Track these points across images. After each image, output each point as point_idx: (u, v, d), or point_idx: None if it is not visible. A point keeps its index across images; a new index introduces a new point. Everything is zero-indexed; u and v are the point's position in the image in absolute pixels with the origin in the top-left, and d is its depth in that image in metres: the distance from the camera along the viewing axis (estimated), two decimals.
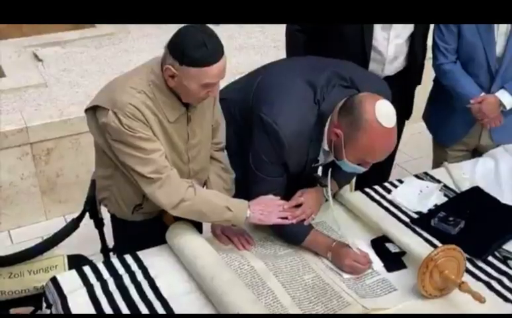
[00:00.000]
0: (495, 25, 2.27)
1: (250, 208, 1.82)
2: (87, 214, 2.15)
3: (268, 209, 1.84)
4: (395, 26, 2.27)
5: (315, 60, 2.05)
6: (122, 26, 4.51)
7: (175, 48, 1.65)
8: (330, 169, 1.90)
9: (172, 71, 1.66)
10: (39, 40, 4.23)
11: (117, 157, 1.76)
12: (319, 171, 1.96)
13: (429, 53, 2.53)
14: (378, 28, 2.27)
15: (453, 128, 2.55)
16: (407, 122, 2.67)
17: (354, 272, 1.80)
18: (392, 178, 2.35)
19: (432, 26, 2.45)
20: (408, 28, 2.32)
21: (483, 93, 2.37)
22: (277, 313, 1.64)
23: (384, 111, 1.69)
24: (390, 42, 2.30)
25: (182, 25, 1.69)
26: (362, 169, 1.81)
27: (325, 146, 1.85)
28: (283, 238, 1.94)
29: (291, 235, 1.92)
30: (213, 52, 1.64)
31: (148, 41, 4.30)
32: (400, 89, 2.46)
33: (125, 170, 1.79)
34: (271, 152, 1.82)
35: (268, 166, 1.86)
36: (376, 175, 2.47)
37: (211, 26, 1.71)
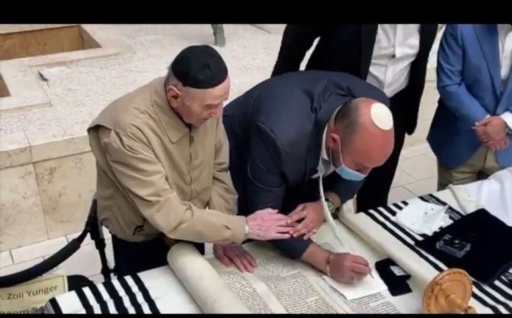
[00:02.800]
0: (500, 48, 2.27)
1: (248, 224, 1.80)
2: (88, 235, 2.13)
3: (266, 223, 1.82)
4: (397, 57, 2.26)
5: (313, 72, 2.07)
6: (127, 46, 4.55)
7: (179, 69, 1.64)
8: (321, 180, 1.90)
9: (175, 91, 1.65)
10: (44, 60, 4.26)
11: (117, 178, 1.75)
12: (321, 186, 1.95)
13: (433, 75, 2.52)
14: (377, 58, 2.26)
15: (458, 150, 2.53)
16: (410, 142, 2.65)
17: (355, 274, 1.77)
18: (396, 200, 2.33)
19: (434, 49, 2.44)
20: (409, 57, 2.30)
21: (488, 115, 2.36)
22: None
23: (379, 114, 1.69)
24: (388, 69, 2.30)
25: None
26: (361, 176, 1.80)
27: (324, 155, 1.84)
28: (282, 251, 1.93)
29: (290, 248, 1.90)
30: (217, 74, 1.64)
31: (153, 61, 4.32)
32: (401, 108, 2.46)
33: (124, 192, 1.78)
34: (268, 160, 1.82)
35: (266, 175, 1.85)
36: (375, 196, 2.45)
37: (215, 46, 1.71)
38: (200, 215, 1.78)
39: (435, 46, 2.42)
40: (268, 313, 1.69)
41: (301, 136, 1.80)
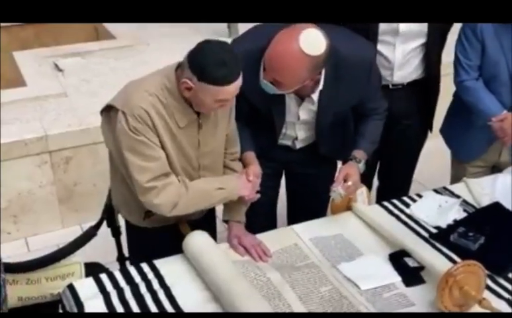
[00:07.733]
0: None
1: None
2: (105, 223, 2.16)
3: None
4: (401, 31, 2.26)
5: None
6: (141, 38, 4.56)
7: (195, 64, 1.66)
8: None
9: (189, 84, 1.68)
10: (59, 51, 4.28)
11: (122, 163, 1.78)
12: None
13: (448, 69, 2.50)
14: (382, 34, 2.27)
15: (472, 144, 2.51)
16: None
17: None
18: (411, 193, 2.33)
19: (451, 41, 2.43)
20: (417, 35, 2.30)
21: (505, 111, 2.34)
22: None
23: (310, 37, 1.73)
24: (397, 48, 2.30)
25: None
26: (274, 89, 1.84)
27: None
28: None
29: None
30: (233, 72, 1.66)
31: (167, 53, 4.32)
32: (419, 101, 2.45)
33: (127, 178, 1.81)
34: None
35: None
36: (396, 190, 2.45)
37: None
38: (193, 187, 1.82)
39: (452, 40, 2.42)
40: (282, 301, 1.70)
41: (256, 48, 1.86)
